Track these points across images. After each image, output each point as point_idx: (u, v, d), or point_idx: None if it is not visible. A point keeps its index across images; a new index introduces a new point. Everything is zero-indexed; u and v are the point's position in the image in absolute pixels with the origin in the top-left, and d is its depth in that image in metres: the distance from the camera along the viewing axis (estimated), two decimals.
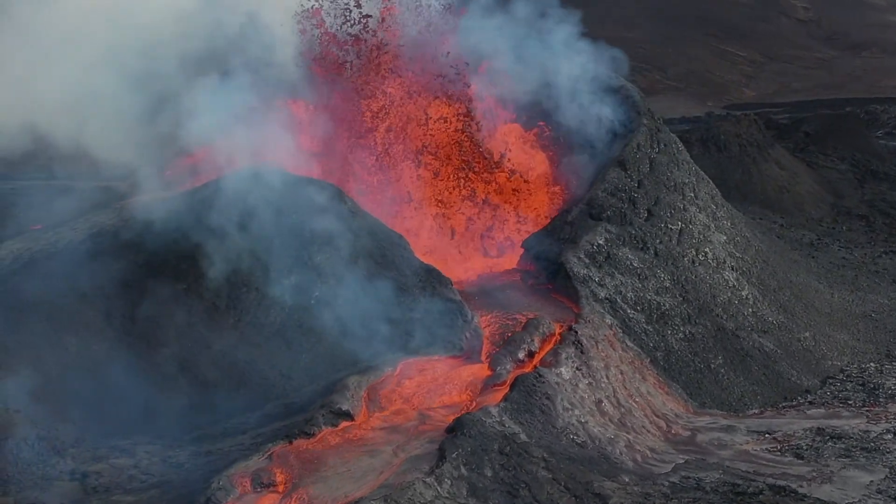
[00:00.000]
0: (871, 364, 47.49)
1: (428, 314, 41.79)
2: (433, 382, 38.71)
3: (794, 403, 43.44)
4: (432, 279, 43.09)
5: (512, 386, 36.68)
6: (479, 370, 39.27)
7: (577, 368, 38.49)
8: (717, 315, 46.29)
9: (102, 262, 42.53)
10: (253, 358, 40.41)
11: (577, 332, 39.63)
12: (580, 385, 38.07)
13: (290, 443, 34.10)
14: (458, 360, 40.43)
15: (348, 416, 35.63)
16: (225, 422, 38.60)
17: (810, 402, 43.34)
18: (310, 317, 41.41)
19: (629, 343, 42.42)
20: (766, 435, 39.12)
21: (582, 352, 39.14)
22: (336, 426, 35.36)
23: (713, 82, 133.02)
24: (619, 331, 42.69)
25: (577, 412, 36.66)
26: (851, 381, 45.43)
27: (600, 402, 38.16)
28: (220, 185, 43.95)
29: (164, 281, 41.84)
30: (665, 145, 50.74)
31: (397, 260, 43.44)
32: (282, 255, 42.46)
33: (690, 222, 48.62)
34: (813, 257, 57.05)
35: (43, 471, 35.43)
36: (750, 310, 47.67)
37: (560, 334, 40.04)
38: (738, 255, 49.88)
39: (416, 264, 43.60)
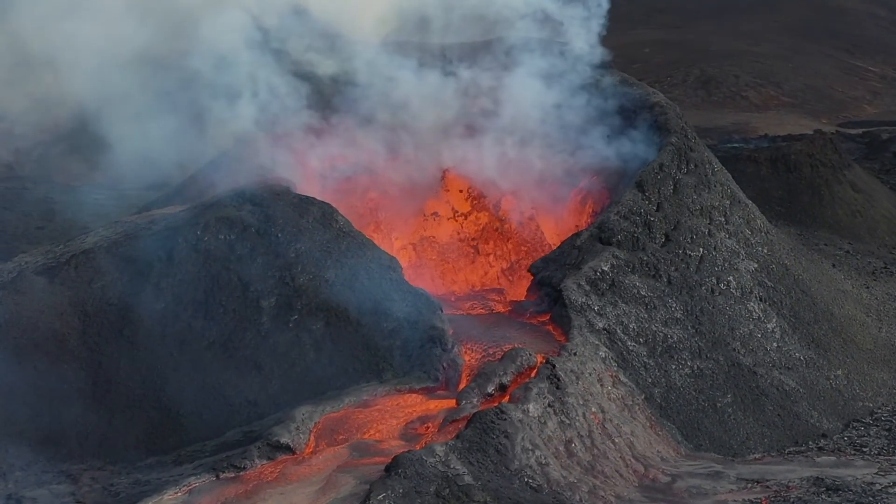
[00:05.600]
0: None
1: (409, 341, 39.86)
2: (397, 416, 36.72)
3: (803, 448, 39.91)
4: (420, 304, 41.06)
5: (468, 422, 34.27)
6: (450, 403, 37.04)
7: (548, 405, 35.87)
8: (734, 349, 43.00)
9: (87, 278, 41.77)
10: (220, 382, 39.11)
11: (553, 366, 36.94)
12: (549, 423, 35.43)
13: (217, 477, 32.44)
14: (432, 391, 38.34)
15: (288, 449, 33.81)
16: (182, 449, 37.32)
17: (820, 448, 39.78)
18: (285, 341, 39.91)
19: (623, 378, 39.55)
20: (756, 484, 35.77)
21: (557, 387, 36.46)
22: (274, 459, 33.58)
23: (833, 98, 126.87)
24: (614, 364, 39.82)
25: (538, 453, 34.05)
26: (877, 426, 41.63)
27: (570, 442, 35.47)
28: (207, 205, 42.97)
29: (144, 300, 40.85)
30: (696, 166, 47.53)
31: (385, 283, 41.53)
32: (264, 275, 41.05)
33: (715, 248, 45.38)
34: (867, 287, 52.81)
35: None
36: (775, 344, 44.20)
37: (537, 367, 37.45)
38: (769, 284, 46.37)
39: (405, 288, 41.61)
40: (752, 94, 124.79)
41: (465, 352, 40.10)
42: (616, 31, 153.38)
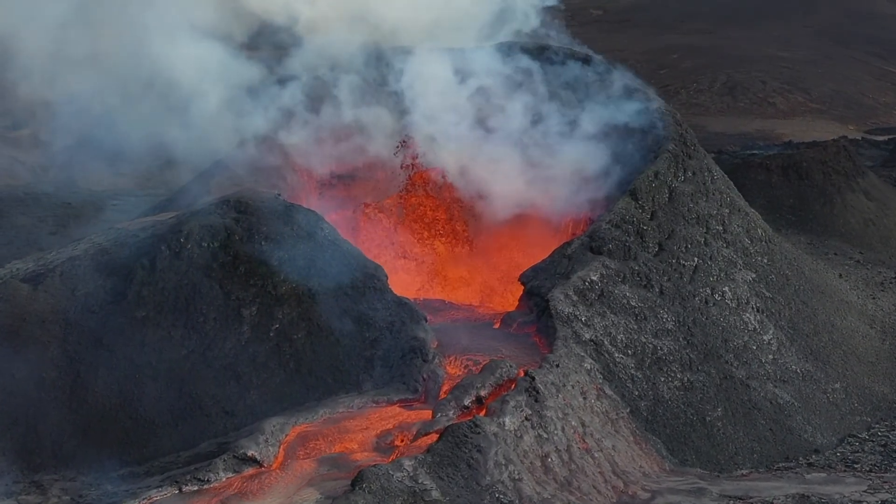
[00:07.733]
0: None
1: (390, 352, 39.17)
2: (371, 428, 35.97)
3: (792, 464, 38.78)
4: (403, 314, 40.35)
5: (440, 436, 33.51)
6: (427, 416, 36.30)
7: (525, 418, 35.01)
8: (727, 361, 41.95)
9: (70, 286, 41.43)
10: (198, 392, 38.54)
11: (532, 378, 36.07)
12: (525, 437, 34.58)
13: (180, 490, 31.86)
14: (410, 403, 37.62)
15: (255, 462, 33.17)
16: (156, 459, 36.80)
17: (810, 464, 38.63)
18: (265, 350, 39.30)
19: (608, 391, 38.60)
20: (739, 501, 34.75)
21: (536, 400, 35.59)
22: (240, 473, 32.96)
23: (862, 104, 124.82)
24: (599, 376, 38.88)
25: (512, 468, 33.21)
26: (873, 441, 40.42)
27: (547, 456, 34.60)
28: (192, 212, 42.55)
29: (125, 308, 40.42)
30: (694, 174, 46.52)
31: (369, 292, 40.84)
32: (245, 283, 40.49)
33: (711, 258, 44.34)
34: (874, 298, 51.51)
35: None
36: (770, 356, 43.11)
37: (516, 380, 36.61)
38: (767, 295, 45.27)
39: (389, 298, 40.90)
40: (780, 100, 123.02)
41: (448, 363, 39.37)
42: (645, 36, 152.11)
